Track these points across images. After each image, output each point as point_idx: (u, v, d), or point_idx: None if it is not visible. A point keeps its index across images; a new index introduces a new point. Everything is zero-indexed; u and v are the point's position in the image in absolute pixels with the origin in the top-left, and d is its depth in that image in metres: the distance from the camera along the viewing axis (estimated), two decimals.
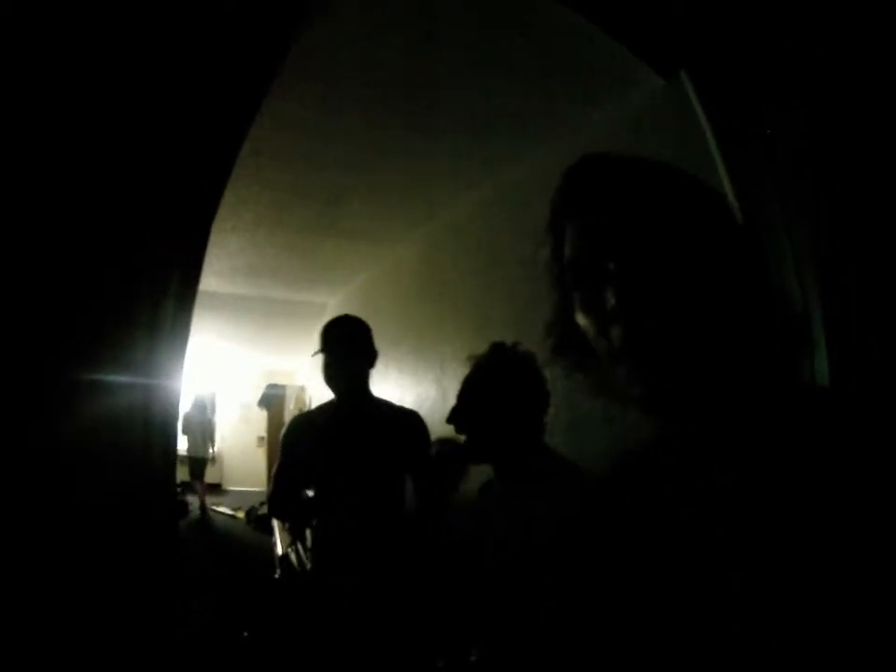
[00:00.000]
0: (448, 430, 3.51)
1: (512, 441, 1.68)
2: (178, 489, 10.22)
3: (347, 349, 2.57)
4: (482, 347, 1.80)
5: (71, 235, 1.03)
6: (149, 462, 1.21)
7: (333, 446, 2.53)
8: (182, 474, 12.39)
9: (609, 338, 0.71)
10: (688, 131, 1.78)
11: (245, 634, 3.98)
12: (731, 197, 1.53)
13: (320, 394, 8.58)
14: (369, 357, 2.70)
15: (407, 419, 2.72)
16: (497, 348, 1.75)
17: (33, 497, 1.01)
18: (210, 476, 13.30)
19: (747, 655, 0.59)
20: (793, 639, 0.57)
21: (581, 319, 0.75)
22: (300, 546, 4.64)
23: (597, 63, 2.05)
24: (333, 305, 7.70)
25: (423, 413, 4.05)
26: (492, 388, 1.69)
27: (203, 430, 10.38)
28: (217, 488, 13.04)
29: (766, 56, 1.38)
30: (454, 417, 1.75)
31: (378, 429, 2.54)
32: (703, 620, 0.63)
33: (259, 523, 9.25)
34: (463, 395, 1.76)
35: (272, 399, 10.82)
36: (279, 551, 5.45)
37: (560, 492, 1.51)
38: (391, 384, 4.83)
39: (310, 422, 2.74)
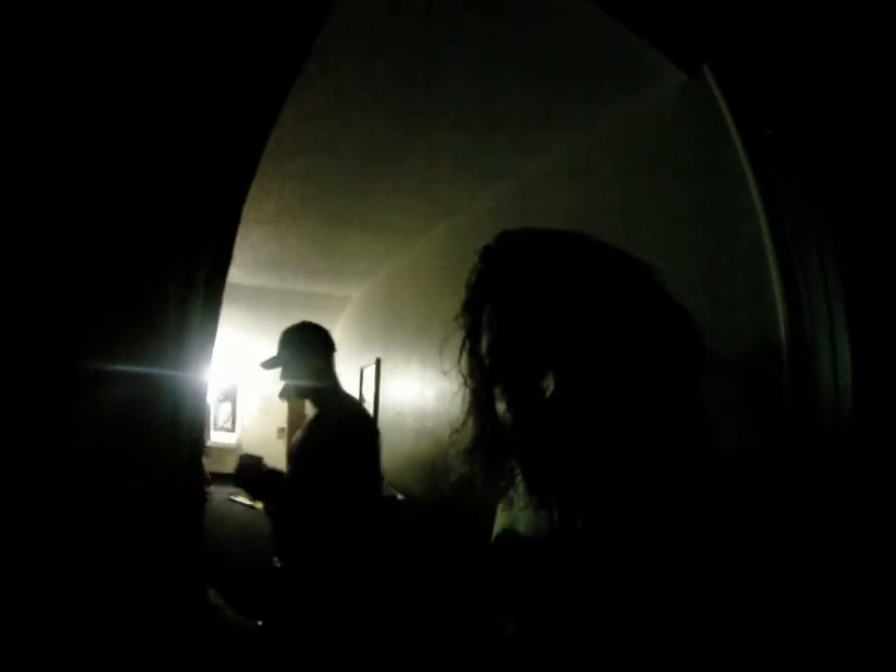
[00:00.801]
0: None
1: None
2: None
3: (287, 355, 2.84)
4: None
5: (102, 225, 1.02)
6: (177, 455, 1.21)
7: (294, 448, 2.81)
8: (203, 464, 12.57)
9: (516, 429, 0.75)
10: (711, 128, 1.74)
11: (259, 623, 4.00)
12: (758, 208, 1.52)
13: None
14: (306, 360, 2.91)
15: (344, 423, 2.70)
16: None
17: (58, 490, 1.01)
18: (230, 466, 13.44)
19: (747, 655, 0.60)
20: (793, 639, 0.59)
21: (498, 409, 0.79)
22: None
23: (620, 56, 2.02)
24: (356, 298, 7.72)
25: (445, 406, 4.07)
26: None
27: None
28: None
29: (793, 51, 1.34)
30: None
31: (319, 432, 2.68)
32: (703, 620, 0.63)
33: None
34: None
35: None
36: None
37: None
38: (413, 376, 4.83)
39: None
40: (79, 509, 1.02)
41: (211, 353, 1.33)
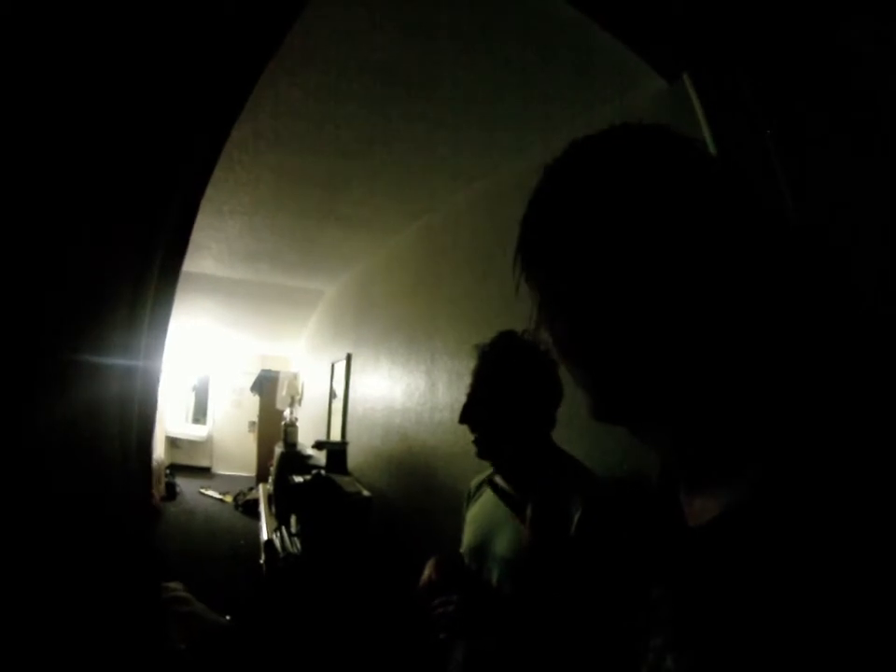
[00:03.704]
0: (438, 425, 3.53)
1: (525, 436, 1.61)
2: (167, 472, 10.25)
3: None
4: (472, 340, 1.76)
5: (47, 210, 1.01)
6: (125, 446, 1.19)
7: None
8: (174, 457, 12.47)
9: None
10: (688, 134, 1.76)
11: (228, 618, 3.98)
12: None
13: (311, 381, 8.62)
14: None
15: None
16: (507, 336, 1.66)
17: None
18: (200, 459, 13.37)
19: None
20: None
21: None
22: (284, 531, 4.66)
23: (600, 61, 2.04)
24: (330, 293, 7.70)
25: (412, 404, 4.09)
26: (508, 378, 1.60)
27: None
28: (206, 472, 13.08)
29: (771, 62, 1.37)
30: (467, 416, 1.66)
31: None
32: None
33: (246, 507, 9.30)
34: (476, 387, 1.67)
35: (264, 385, 10.81)
36: (264, 536, 5.46)
37: (567, 495, 1.46)
38: (382, 373, 4.84)
39: None
40: (23, 501, 1.01)
41: (163, 343, 1.32)
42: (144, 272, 1.18)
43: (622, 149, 0.67)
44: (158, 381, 1.33)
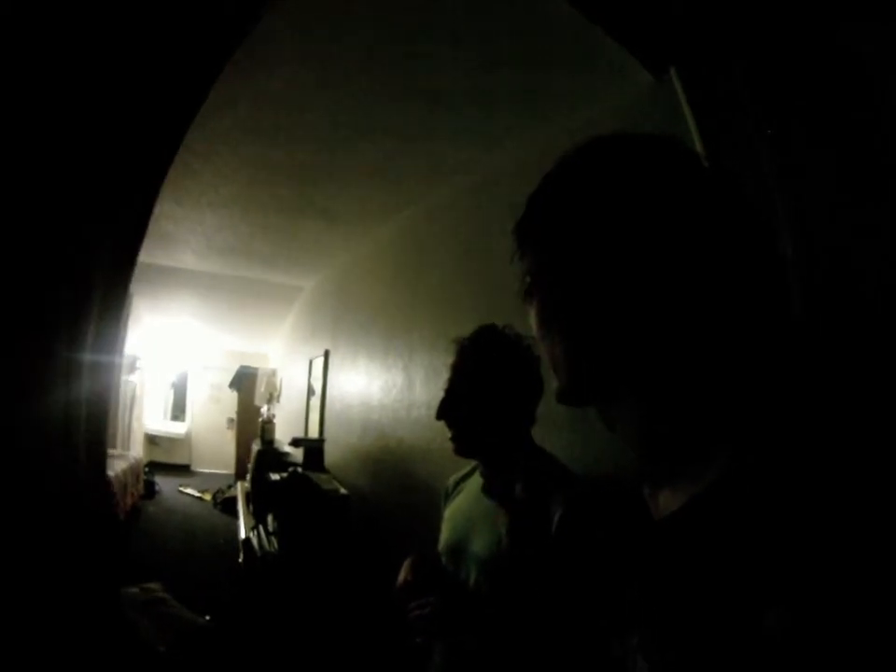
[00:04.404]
0: (416, 422, 3.50)
1: (504, 433, 1.56)
2: (146, 469, 10.15)
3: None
4: (450, 335, 1.71)
5: None
6: (75, 443, 1.13)
7: None
8: (152, 454, 12.37)
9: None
10: (674, 130, 1.74)
11: (207, 618, 3.95)
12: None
13: (290, 378, 8.56)
14: None
15: None
16: (487, 330, 1.62)
17: None
18: (179, 457, 13.28)
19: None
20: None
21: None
22: (261, 530, 4.61)
23: (587, 55, 2.01)
24: (309, 288, 7.65)
25: (390, 402, 4.06)
26: (488, 373, 1.55)
27: None
28: (185, 469, 13.00)
29: (760, 57, 1.35)
30: (445, 411, 1.61)
31: None
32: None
33: (224, 505, 9.23)
34: (455, 382, 1.62)
35: (243, 381, 10.74)
36: (242, 535, 5.40)
37: (547, 494, 1.42)
38: (360, 370, 4.80)
39: None
40: None
41: (116, 338, 1.26)
42: (91, 266, 1.12)
43: (625, 153, 0.73)
44: (110, 381, 1.28)
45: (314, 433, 6.11)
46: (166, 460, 12.91)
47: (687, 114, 1.63)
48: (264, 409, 9.02)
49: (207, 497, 10.18)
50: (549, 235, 0.74)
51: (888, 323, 1.06)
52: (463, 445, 1.61)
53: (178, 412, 14.08)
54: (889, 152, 1.14)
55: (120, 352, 8.91)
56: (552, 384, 0.77)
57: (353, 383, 5.02)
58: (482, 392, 1.56)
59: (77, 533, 1.14)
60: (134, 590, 3.69)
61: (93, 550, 1.19)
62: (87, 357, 1.10)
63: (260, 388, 9.87)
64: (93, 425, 1.19)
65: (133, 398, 10.49)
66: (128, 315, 8.99)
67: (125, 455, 8.77)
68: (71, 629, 1.14)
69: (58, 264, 1.05)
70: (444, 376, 1.67)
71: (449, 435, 1.62)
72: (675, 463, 0.67)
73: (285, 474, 4.60)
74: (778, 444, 0.59)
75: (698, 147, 1.59)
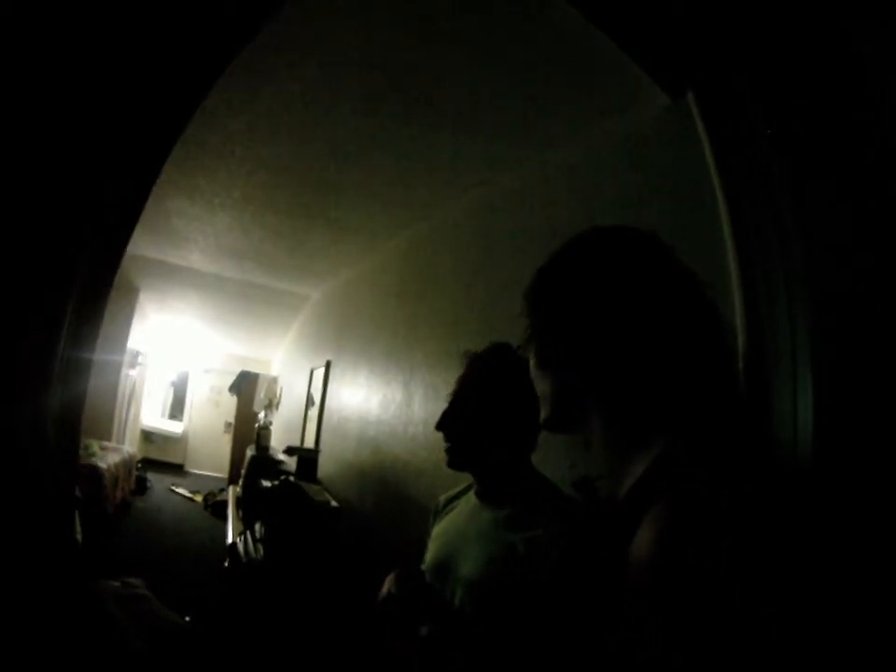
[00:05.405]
0: (412, 439, 3.46)
1: (502, 451, 1.54)
2: (139, 465, 10.11)
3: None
4: (453, 354, 1.70)
5: None
6: (43, 429, 1.10)
7: None
8: (147, 451, 12.35)
9: None
10: (687, 153, 1.72)
11: (188, 618, 3.90)
12: (727, 239, 1.51)
13: (290, 386, 8.53)
14: None
15: None
16: (500, 347, 1.60)
17: None
18: (174, 456, 13.25)
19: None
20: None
21: None
22: (248, 536, 4.56)
23: (603, 75, 1.99)
24: (315, 298, 7.63)
25: (387, 417, 4.02)
26: (497, 388, 1.53)
27: None
28: (179, 469, 12.96)
29: (776, 85, 1.33)
30: (447, 423, 1.59)
31: None
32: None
33: (215, 508, 9.18)
34: (461, 394, 1.60)
35: (243, 386, 10.72)
36: (230, 539, 5.35)
37: (542, 523, 1.39)
38: (360, 383, 4.77)
39: None
40: None
41: (96, 330, 1.22)
42: (73, 257, 1.09)
43: (612, 252, 0.99)
44: (86, 366, 1.24)
45: (309, 443, 6.07)
46: (160, 458, 12.88)
47: (703, 138, 1.62)
48: (261, 414, 8.99)
49: (198, 498, 10.13)
50: (547, 304, 1.02)
51: (888, 323, 1.14)
52: (457, 457, 1.59)
53: (177, 411, 14.07)
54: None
55: (122, 347, 8.91)
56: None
57: (352, 395, 4.98)
58: (487, 406, 1.54)
59: (41, 517, 1.11)
60: (115, 583, 3.64)
61: (59, 535, 1.16)
62: (62, 347, 1.08)
63: (260, 394, 9.84)
64: (68, 413, 1.16)
65: (131, 392, 10.49)
66: (132, 310, 9.00)
67: (119, 449, 8.75)
68: (37, 614, 1.11)
69: (34, 251, 1.03)
70: (444, 394, 1.65)
71: (445, 450, 1.60)
72: (625, 451, 0.92)
73: (276, 482, 4.55)
74: (696, 438, 0.88)
75: (712, 170, 1.58)
